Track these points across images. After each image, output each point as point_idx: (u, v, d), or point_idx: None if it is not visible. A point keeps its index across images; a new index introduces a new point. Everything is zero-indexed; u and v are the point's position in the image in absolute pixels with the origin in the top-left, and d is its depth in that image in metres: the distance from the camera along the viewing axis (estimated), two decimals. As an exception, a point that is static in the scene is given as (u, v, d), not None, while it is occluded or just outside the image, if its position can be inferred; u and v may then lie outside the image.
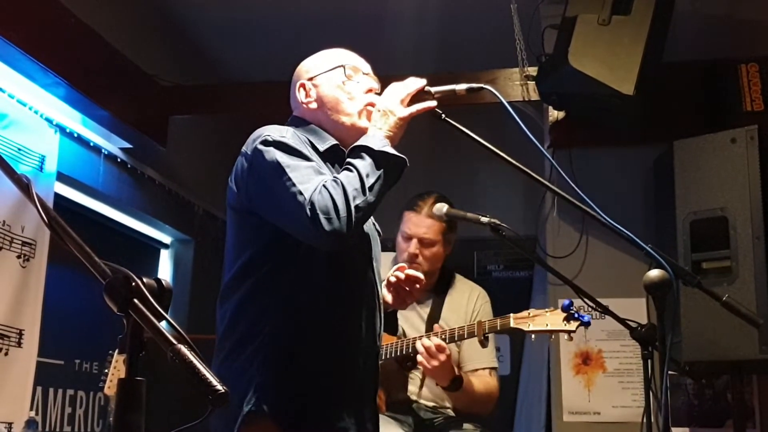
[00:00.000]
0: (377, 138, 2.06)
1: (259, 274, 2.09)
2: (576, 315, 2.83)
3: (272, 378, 2.02)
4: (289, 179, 1.97)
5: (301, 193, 1.94)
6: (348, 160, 2.04)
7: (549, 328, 2.89)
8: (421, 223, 3.22)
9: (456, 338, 3.05)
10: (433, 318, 3.27)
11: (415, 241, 3.23)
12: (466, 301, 3.39)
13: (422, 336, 3.06)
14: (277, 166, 2.00)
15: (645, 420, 2.24)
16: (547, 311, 2.93)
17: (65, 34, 3.71)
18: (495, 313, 3.33)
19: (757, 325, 2.31)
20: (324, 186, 1.94)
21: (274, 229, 2.05)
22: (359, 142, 2.07)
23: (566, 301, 2.83)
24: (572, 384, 4.14)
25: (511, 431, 5.52)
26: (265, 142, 2.06)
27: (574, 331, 2.85)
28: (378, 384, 2.27)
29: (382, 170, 2.01)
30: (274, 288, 2.07)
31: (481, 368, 3.28)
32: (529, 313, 2.95)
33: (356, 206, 1.94)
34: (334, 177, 1.99)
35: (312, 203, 1.91)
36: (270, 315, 2.06)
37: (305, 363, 2.06)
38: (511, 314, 2.99)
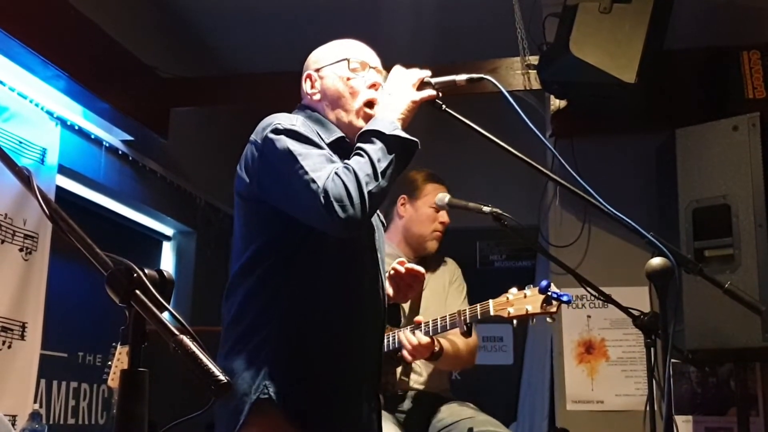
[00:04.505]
0: (387, 121, 2.05)
1: (268, 264, 2.08)
2: (554, 295, 2.75)
3: (281, 368, 2.02)
4: (302, 167, 1.96)
5: (314, 181, 1.93)
6: (358, 144, 2.02)
7: (530, 311, 2.81)
8: (444, 191, 3.26)
9: (439, 330, 3.00)
10: (417, 297, 3.27)
11: (445, 212, 3.28)
12: (445, 267, 3.43)
13: (406, 329, 3.03)
14: (289, 154, 1.99)
15: (648, 408, 2.25)
16: (525, 292, 2.85)
17: (65, 27, 3.71)
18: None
19: (759, 312, 2.31)
20: (336, 173, 1.93)
21: (283, 218, 2.04)
22: (369, 126, 2.05)
23: (543, 282, 2.77)
24: (575, 373, 4.14)
25: (514, 420, 5.53)
26: (276, 131, 2.04)
27: (555, 312, 2.78)
28: (381, 374, 2.27)
29: (393, 155, 2.00)
30: (283, 278, 2.07)
31: None
32: (507, 298, 2.88)
33: (369, 192, 1.93)
34: (345, 164, 1.97)
35: (326, 191, 1.91)
36: (279, 305, 2.06)
37: (314, 353, 2.06)
38: (490, 300, 2.92)
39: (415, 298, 3.25)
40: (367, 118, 2.15)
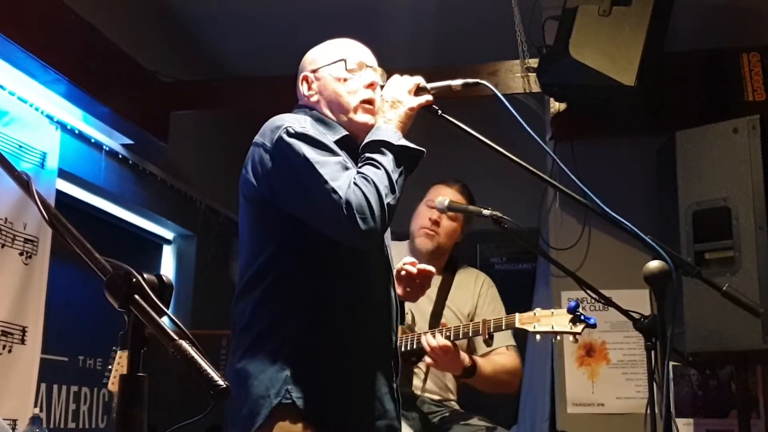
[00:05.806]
0: (390, 131, 2.05)
1: (283, 267, 2.07)
2: (582, 317, 2.82)
3: (301, 372, 2.00)
4: (320, 176, 1.95)
5: (334, 191, 1.92)
6: (369, 155, 2.02)
7: (555, 329, 2.87)
8: (448, 194, 3.22)
9: (461, 336, 3.03)
10: (442, 298, 3.27)
11: (435, 209, 3.23)
12: (473, 283, 3.40)
13: (427, 332, 3.05)
14: (306, 161, 1.98)
15: (648, 411, 2.24)
16: (552, 311, 2.91)
17: (65, 31, 3.71)
18: (498, 306, 3.35)
19: (757, 314, 2.31)
20: (355, 184, 1.93)
21: (294, 223, 2.03)
22: (375, 137, 2.05)
23: (572, 303, 2.83)
24: (576, 376, 4.14)
25: (515, 423, 5.51)
26: (288, 133, 2.02)
27: (579, 333, 2.84)
28: (397, 375, 2.24)
29: (403, 166, 2.02)
30: (299, 281, 2.06)
31: (498, 347, 3.28)
32: (534, 313, 2.93)
33: (388, 204, 1.95)
34: (363, 174, 1.97)
35: (348, 202, 1.90)
36: (296, 308, 2.05)
37: (331, 357, 2.06)
38: (517, 314, 2.97)
39: (436, 305, 3.26)
40: (366, 112, 2.16)
